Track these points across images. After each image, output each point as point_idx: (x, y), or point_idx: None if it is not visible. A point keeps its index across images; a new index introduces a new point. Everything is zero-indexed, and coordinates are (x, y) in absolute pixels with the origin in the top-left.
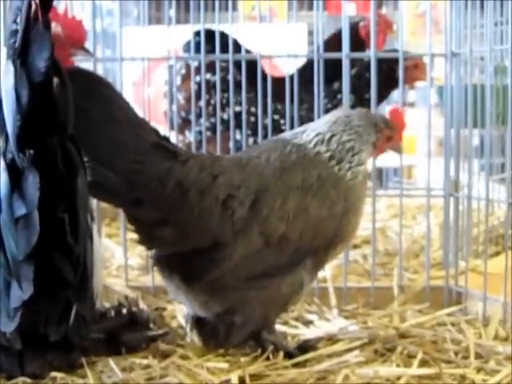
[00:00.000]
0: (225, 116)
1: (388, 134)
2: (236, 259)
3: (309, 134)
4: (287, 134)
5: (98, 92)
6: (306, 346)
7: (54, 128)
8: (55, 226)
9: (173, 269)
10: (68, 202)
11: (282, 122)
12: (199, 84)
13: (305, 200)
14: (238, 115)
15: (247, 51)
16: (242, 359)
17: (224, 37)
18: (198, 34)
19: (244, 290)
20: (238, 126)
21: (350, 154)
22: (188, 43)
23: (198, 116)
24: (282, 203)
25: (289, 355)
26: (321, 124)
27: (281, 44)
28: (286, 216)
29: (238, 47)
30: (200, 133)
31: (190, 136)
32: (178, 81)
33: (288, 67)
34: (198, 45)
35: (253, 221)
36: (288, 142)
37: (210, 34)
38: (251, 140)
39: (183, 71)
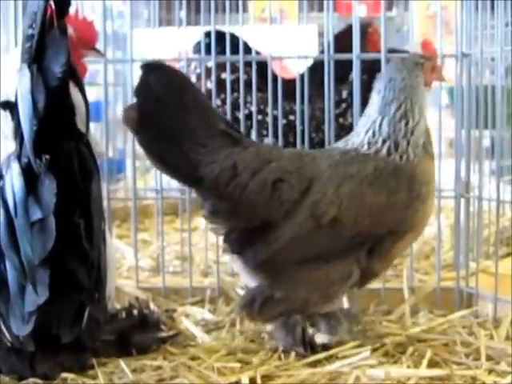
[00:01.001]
0: (240, 115)
1: (430, 65)
2: (286, 240)
3: (359, 133)
4: (340, 144)
5: (173, 82)
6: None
7: (70, 133)
8: (71, 230)
9: (232, 247)
10: (83, 207)
11: (297, 122)
12: (218, 82)
13: (360, 188)
14: (250, 115)
15: (257, 53)
16: (254, 359)
17: (234, 38)
18: (208, 35)
19: (294, 269)
20: (251, 126)
21: (404, 123)
22: (198, 44)
23: None
24: (335, 189)
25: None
26: (371, 110)
27: (291, 45)
28: (339, 200)
29: (248, 49)
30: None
31: None
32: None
33: (298, 68)
34: (208, 46)
35: (303, 204)
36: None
37: (220, 36)
38: (266, 141)
39: (198, 70)
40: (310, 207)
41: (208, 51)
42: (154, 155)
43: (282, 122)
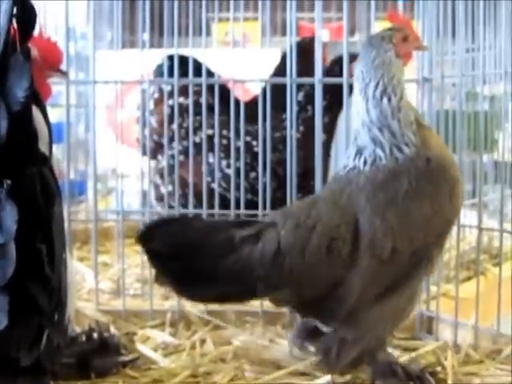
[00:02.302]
0: (197, 139)
1: (400, 35)
2: (358, 290)
3: (364, 156)
4: (339, 170)
5: (171, 235)
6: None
7: (33, 158)
8: (32, 256)
9: (306, 314)
10: (45, 232)
11: (254, 143)
12: (172, 107)
13: (403, 207)
14: (210, 138)
15: (218, 76)
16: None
17: (195, 63)
18: (170, 58)
19: (367, 310)
20: (211, 149)
21: (386, 100)
22: (159, 67)
23: (171, 140)
24: (382, 220)
25: (418, 378)
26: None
27: (254, 69)
28: (390, 230)
29: (209, 74)
30: (173, 157)
31: (163, 160)
32: (151, 104)
33: (260, 91)
34: (169, 69)
35: (360, 249)
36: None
37: (182, 60)
38: (224, 162)
39: (156, 95)
40: (368, 248)
41: (170, 74)
42: (201, 300)
43: (242, 143)
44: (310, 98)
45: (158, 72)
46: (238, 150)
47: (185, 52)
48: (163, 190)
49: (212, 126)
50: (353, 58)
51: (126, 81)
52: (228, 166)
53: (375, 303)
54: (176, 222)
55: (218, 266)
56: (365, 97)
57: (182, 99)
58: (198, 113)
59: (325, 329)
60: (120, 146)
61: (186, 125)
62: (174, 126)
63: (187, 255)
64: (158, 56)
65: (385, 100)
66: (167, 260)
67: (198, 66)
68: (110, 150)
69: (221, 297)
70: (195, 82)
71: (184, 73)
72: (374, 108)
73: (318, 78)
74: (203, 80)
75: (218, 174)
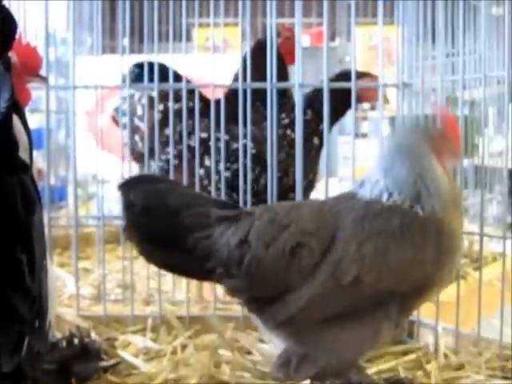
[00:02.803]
0: (191, 143)
1: (444, 145)
2: (304, 301)
3: (372, 187)
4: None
5: (151, 191)
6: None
7: (13, 167)
8: (13, 266)
9: (252, 309)
10: (25, 241)
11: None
12: (162, 113)
13: (385, 245)
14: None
15: (187, 80)
16: None
17: (164, 68)
18: (137, 65)
19: (319, 331)
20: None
21: (423, 185)
22: (129, 75)
23: (161, 145)
24: (358, 247)
25: None
26: (377, 171)
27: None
28: (361, 259)
29: (177, 78)
30: (167, 161)
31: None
32: (138, 111)
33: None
34: (137, 76)
35: (324, 263)
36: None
37: (149, 66)
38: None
39: (144, 101)
40: (331, 267)
41: (138, 81)
42: (159, 264)
43: (233, 146)
44: (309, 102)
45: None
46: (234, 152)
47: (165, 58)
48: None
49: (203, 130)
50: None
51: (106, 86)
52: (227, 169)
53: (326, 325)
54: (162, 182)
55: (187, 237)
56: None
57: (169, 104)
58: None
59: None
60: (100, 152)
61: (179, 129)
62: (168, 131)
63: (162, 217)
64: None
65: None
66: (141, 215)
67: (166, 72)
68: (90, 156)
69: (179, 269)
70: (175, 87)
71: (151, 79)
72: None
73: (298, 83)
74: (183, 85)
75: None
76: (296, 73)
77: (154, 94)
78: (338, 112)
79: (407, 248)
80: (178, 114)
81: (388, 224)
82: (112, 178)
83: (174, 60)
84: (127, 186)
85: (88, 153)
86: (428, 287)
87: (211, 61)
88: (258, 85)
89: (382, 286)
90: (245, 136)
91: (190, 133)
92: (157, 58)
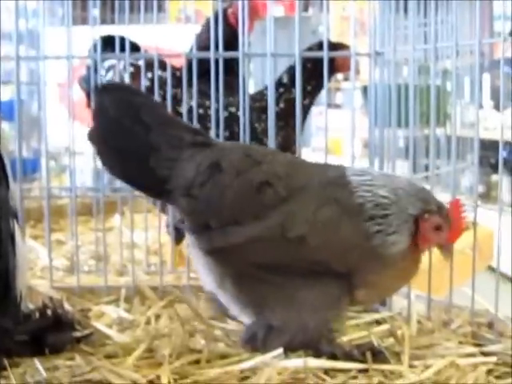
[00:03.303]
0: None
1: (437, 222)
2: (244, 237)
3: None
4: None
5: (129, 101)
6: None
7: None
8: None
9: (194, 232)
10: None
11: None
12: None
13: (339, 218)
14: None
15: (145, 51)
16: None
17: (123, 40)
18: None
19: (262, 283)
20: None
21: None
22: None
23: None
24: (315, 209)
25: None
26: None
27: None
28: (313, 222)
29: (135, 49)
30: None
31: None
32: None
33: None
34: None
35: (279, 210)
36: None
37: (111, 39)
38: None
39: (132, 69)
40: (282, 216)
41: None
42: (119, 177)
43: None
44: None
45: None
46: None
47: (137, 28)
48: None
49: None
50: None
51: (77, 56)
52: None
53: (266, 278)
54: (140, 96)
55: (153, 155)
56: None
57: (159, 72)
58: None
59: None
60: (73, 124)
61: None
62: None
63: (131, 130)
64: (110, 32)
65: None
66: (111, 123)
67: (123, 44)
68: (63, 128)
69: (138, 184)
70: (147, 56)
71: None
72: None
73: (270, 52)
74: (155, 55)
75: None
76: (268, 42)
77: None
78: (320, 84)
79: (353, 231)
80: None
81: (350, 199)
82: (85, 150)
83: (145, 31)
84: (103, 90)
85: (61, 124)
86: (364, 283)
87: (184, 31)
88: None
89: (320, 257)
90: (232, 104)
91: (179, 101)
92: (128, 28)
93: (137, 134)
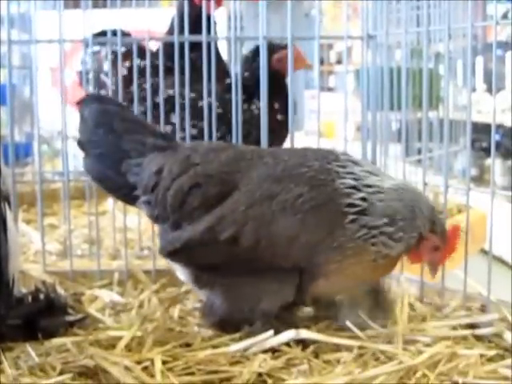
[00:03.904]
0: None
1: (437, 243)
2: (183, 242)
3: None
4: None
5: (104, 112)
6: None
7: None
8: None
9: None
10: None
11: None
12: (129, 69)
13: (272, 214)
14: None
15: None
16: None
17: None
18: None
19: (215, 279)
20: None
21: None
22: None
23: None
24: (245, 209)
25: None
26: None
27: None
28: (242, 222)
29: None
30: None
31: None
32: (105, 67)
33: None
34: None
35: (211, 213)
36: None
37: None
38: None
39: (111, 57)
40: (213, 219)
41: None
42: (96, 181)
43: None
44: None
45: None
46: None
47: (128, 12)
48: None
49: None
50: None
51: (69, 40)
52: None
53: (224, 274)
54: (113, 104)
55: (123, 162)
56: None
57: (138, 61)
58: (154, 74)
59: None
60: (65, 108)
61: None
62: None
63: (106, 138)
64: (102, 17)
65: None
66: (90, 132)
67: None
68: (55, 112)
69: (112, 190)
70: (138, 40)
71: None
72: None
73: (263, 35)
74: (146, 39)
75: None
76: (260, 25)
77: (122, 49)
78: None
79: (295, 225)
80: (143, 70)
81: (287, 193)
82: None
83: (137, 15)
84: (84, 103)
85: (53, 108)
86: (319, 274)
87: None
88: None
89: (261, 255)
90: (209, 94)
91: (156, 90)
92: (120, 12)
93: (110, 141)
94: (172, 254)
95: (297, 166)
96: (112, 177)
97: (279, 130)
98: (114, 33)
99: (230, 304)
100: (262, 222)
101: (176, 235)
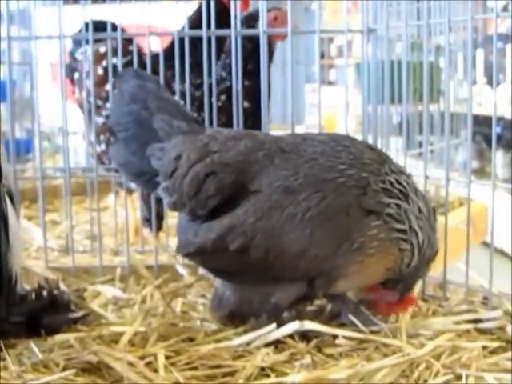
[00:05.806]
0: None
1: (394, 295)
2: (196, 248)
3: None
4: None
5: (142, 87)
6: None
7: None
8: None
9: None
10: None
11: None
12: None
13: (282, 226)
14: None
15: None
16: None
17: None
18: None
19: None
20: None
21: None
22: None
23: (106, 100)
24: (255, 220)
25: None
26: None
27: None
28: (252, 233)
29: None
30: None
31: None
32: (86, 67)
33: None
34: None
35: (223, 220)
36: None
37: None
38: None
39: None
40: (223, 230)
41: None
42: (120, 166)
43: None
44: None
45: (76, 39)
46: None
47: (127, 7)
48: (98, 148)
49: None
50: None
51: (69, 35)
52: None
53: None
54: (152, 83)
55: (152, 143)
56: None
57: (114, 60)
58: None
59: None
60: (66, 104)
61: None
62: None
63: (138, 116)
64: (101, 12)
65: None
66: (125, 107)
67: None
68: (56, 108)
69: (133, 173)
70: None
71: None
72: None
73: (262, 30)
74: (146, 33)
75: None
76: (261, 20)
77: (102, 49)
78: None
79: (306, 237)
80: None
81: (303, 203)
82: (78, 130)
83: (137, 9)
84: (123, 77)
85: (54, 104)
86: (336, 278)
87: (176, 10)
88: (223, 32)
89: (271, 265)
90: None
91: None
92: (119, 7)
93: (142, 118)
94: (186, 255)
95: (325, 170)
96: (136, 162)
97: (243, 121)
98: (102, 24)
99: (240, 296)
100: (272, 237)
101: (190, 237)
